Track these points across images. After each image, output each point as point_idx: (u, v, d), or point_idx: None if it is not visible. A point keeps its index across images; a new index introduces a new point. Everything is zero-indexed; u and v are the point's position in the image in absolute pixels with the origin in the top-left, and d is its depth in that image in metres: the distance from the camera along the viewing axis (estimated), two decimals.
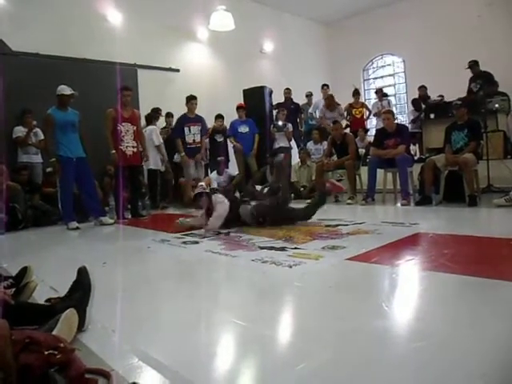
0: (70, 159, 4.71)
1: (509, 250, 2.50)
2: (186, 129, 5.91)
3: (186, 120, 6.00)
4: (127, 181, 5.49)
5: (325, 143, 6.93)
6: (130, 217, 5.50)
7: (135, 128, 5.39)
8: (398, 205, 5.09)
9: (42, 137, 5.77)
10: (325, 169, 6.03)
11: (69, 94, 4.74)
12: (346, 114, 8.30)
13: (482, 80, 6.73)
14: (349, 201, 5.51)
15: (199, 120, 6.05)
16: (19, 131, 5.74)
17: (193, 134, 5.91)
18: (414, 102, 8.17)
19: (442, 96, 7.54)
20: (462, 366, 1.14)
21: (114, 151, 5.15)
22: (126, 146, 5.28)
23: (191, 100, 5.98)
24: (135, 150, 5.38)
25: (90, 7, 7.06)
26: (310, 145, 7.51)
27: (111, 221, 4.90)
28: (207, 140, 7.08)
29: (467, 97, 6.80)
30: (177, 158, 6.67)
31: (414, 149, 7.90)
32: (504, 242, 2.65)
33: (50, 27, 6.49)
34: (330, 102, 7.88)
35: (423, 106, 7.85)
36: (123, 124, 5.27)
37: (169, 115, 7.19)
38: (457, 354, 1.20)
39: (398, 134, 5.36)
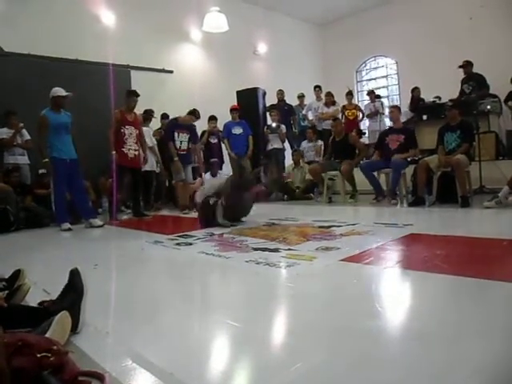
0: (63, 160, 4.70)
1: (501, 250, 2.52)
2: (176, 134, 5.90)
3: (176, 125, 5.97)
4: (123, 182, 5.57)
5: (319, 141, 7.14)
6: (123, 218, 5.50)
7: (138, 131, 5.56)
8: (392, 206, 5.12)
9: (28, 137, 5.76)
10: (318, 172, 6.13)
11: (64, 96, 4.74)
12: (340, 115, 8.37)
13: (475, 82, 6.77)
14: (350, 200, 5.59)
15: (189, 128, 6.02)
16: (4, 133, 5.66)
17: (180, 141, 5.90)
18: (412, 104, 8.18)
19: (438, 97, 7.56)
20: (456, 365, 1.15)
21: (114, 152, 5.25)
22: (129, 149, 5.42)
23: (191, 114, 5.94)
24: (137, 152, 5.53)
25: (83, 8, 7.02)
26: (304, 143, 7.77)
27: (100, 223, 4.87)
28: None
29: (458, 98, 6.84)
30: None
31: None
32: (496, 243, 2.67)
33: (43, 28, 6.45)
34: (329, 99, 8.15)
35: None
36: (127, 127, 5.42)
37: (164, 116, 7.15)
38: (450, 352, 1.21)
39: (403, 132, 5.42)
